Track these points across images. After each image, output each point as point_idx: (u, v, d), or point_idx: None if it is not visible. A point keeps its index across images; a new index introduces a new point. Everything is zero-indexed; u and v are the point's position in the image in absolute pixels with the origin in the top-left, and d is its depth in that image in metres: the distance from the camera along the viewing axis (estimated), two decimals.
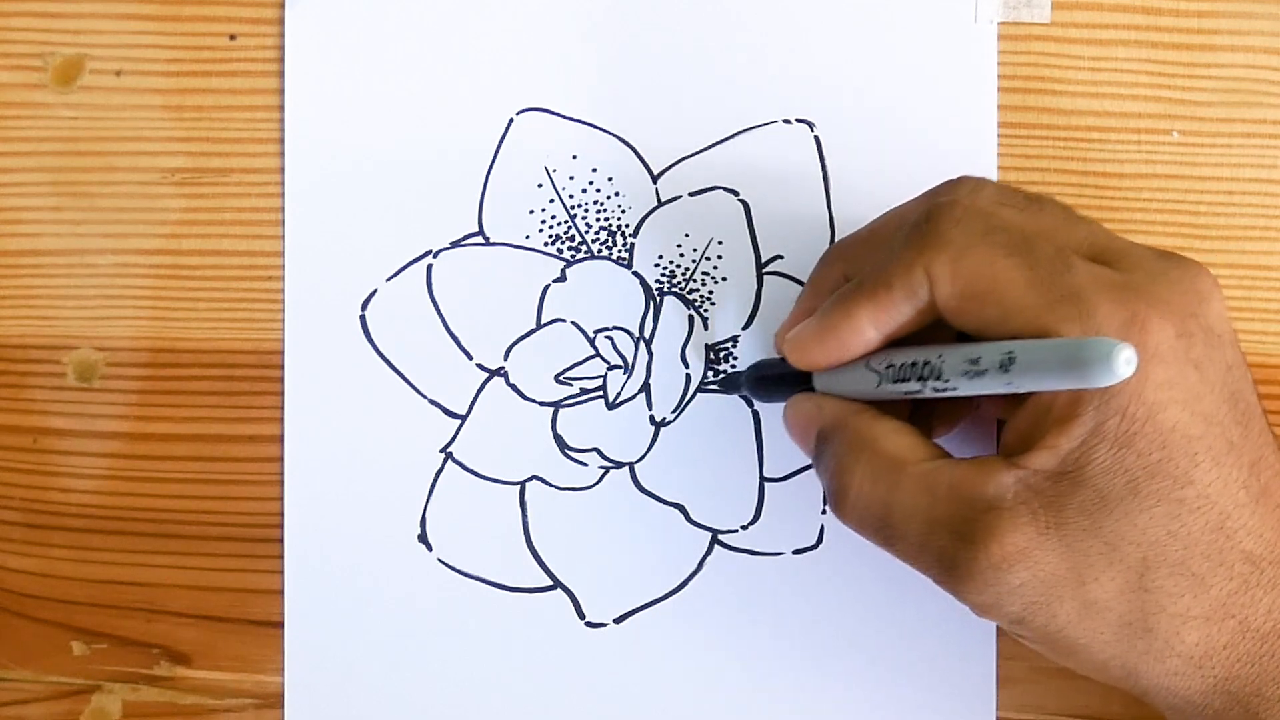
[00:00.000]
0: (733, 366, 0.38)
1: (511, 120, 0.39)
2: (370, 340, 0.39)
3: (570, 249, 0.39)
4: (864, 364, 0.32)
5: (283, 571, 0.39)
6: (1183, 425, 0.28)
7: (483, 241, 0.39)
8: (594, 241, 0.39)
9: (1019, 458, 0.29)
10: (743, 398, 0.38)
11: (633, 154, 0.39)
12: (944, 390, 0.30)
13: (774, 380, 0.36)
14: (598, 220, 0.39)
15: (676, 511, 0.38)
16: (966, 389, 0.29)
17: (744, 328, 0.39)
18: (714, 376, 0.39)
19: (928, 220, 0.31)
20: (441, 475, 0.38)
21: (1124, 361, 0.25)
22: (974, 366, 0.29)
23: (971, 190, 0.31)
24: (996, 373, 0.28)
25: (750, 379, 0.37)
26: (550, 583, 0.38)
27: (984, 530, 0.29)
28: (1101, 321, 0.28)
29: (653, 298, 0.39)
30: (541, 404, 0.39)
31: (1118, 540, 0.28)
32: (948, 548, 0.29)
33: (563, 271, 0.39)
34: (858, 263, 0.34)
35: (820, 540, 0.38)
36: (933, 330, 0.31)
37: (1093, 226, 0.31)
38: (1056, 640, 0.30)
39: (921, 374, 0.31)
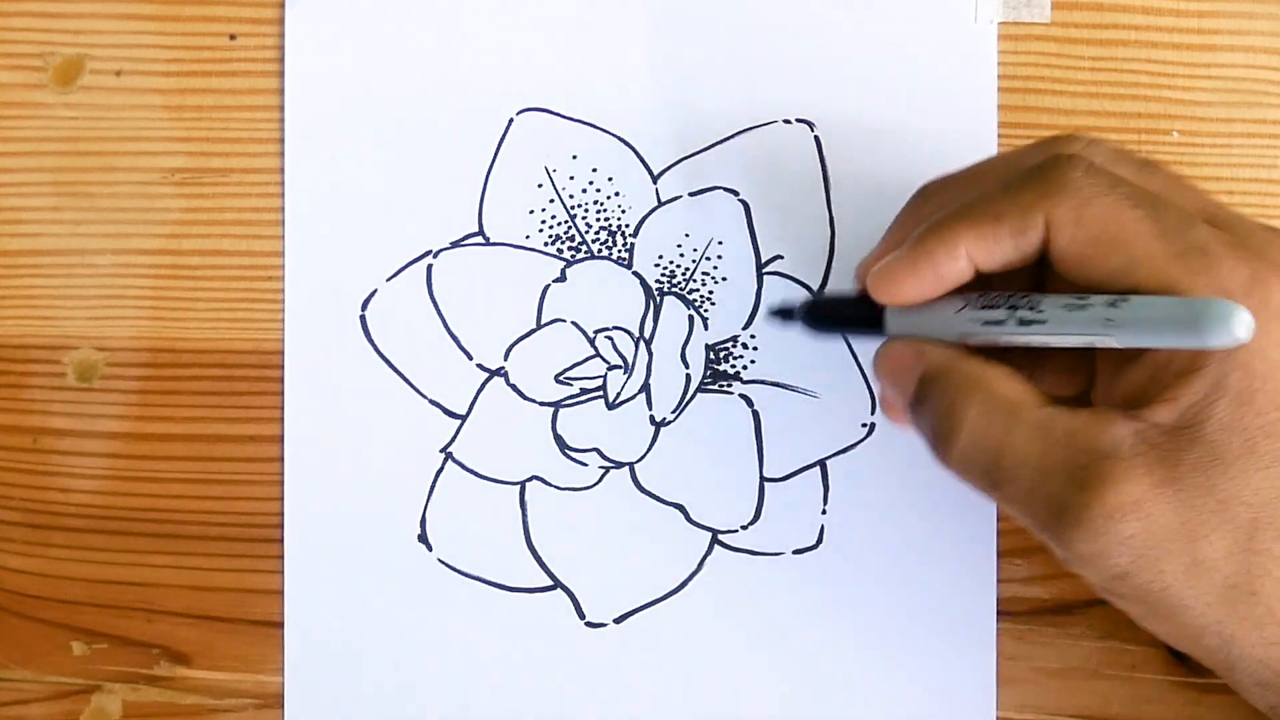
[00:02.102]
0: (732, 367, 0.38)
1: (511, 120, 0.39)
2: (370, 340, 0.39)
3: (570, 249, 0.39)
4: (953, 310, 0.32)
5: (283, 571, 0.39)
6: None
7: (483, 241, 0.39)
8: (594, 241, 0.39)
9: (1138, 410, 0.29)
10: (743, 397, 0.38)
11: (633, 154, 0.39)
12: (1031, 323, 0.30)
13: (835, 314, 0.35)
14: (598, 220, 0.39)
15: (676, 511, 0.38)
16: (1059, 324, 0.29)
17: (744, 327, 0.39)
18: (713, 376, 0.39)
19: (1052, 166, 0.31)
20: (441, 475, 0.38)
21: (1242, 325, 0.25)
22: (1077, 301, 0.29)
23: (1088, 145, 0.32)
24: (1101, 309, 0.28)
25: (807, 310, 0.35)
26: (550, 583, 0.38)
27: (1098, 478, 0.29)
28: (1226, 276, 0.28)
29: (653, 298, 0.39)
30: (541, 404, 0.39)
31: (1230, 499, 0.28)
32: (1060, 494, 0.29)
33: (563, 271, 0.39)
34: (955, 200, 0.33)
35: (820, 540, 0.38)
36: (1013, 281, 0.31)
37: (1202, 193, 0.32)
38: (1159, 600, 0.29)
39: (1013, 302, 0.30)
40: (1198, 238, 0.29)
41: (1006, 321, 0.30)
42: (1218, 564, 0.29)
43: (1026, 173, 0.31)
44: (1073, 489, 0.29)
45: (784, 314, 0.35)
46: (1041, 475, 0.30)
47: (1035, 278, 0.32)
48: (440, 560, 0.38)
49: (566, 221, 0.39)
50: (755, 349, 0.38)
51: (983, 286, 0.32)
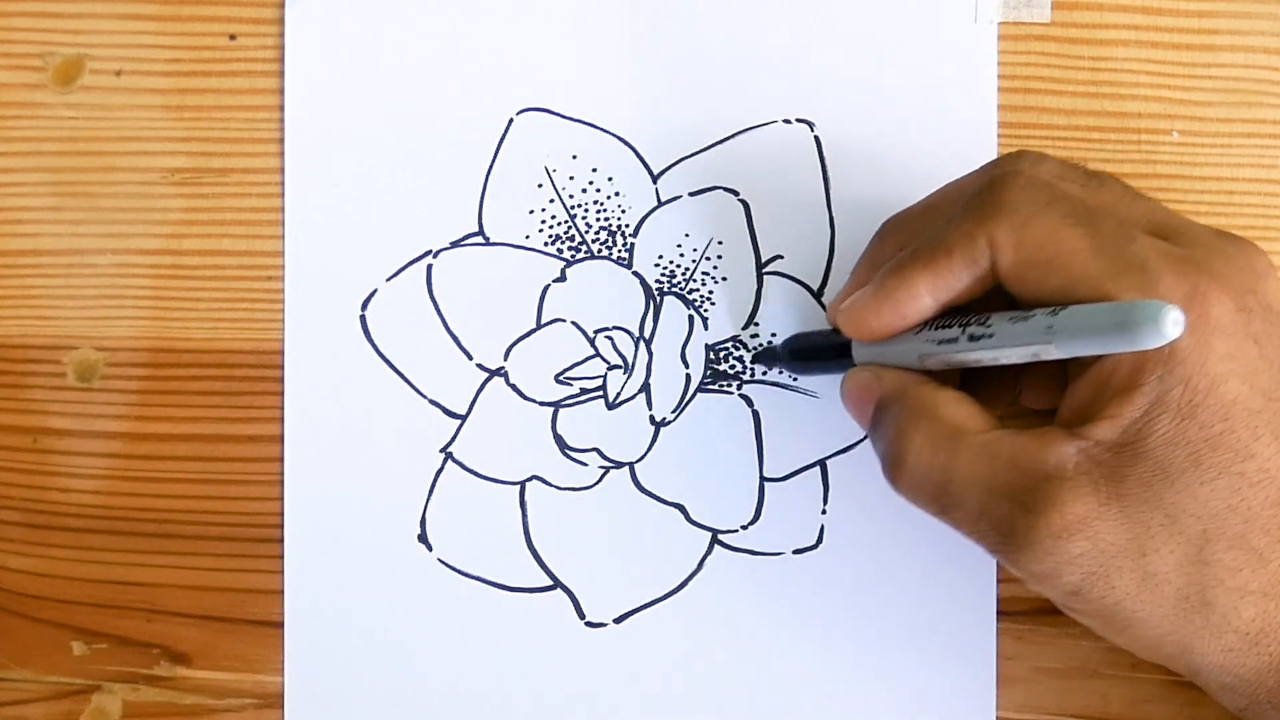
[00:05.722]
0: (731, 367, 0.39)
1: (511, 120, 0.39)
2: (370, 340, 0.39)
3: (570, 249, 0.39)
4: (911, 332, 0.32)
5: (283, 571, 0.39)
6: (1244, 398, 0.28)
7: (483, 241, 0.39)
8: (594, 241, 0.39)
9: (1081, 428, 0.29)
10: (743, 397, 0.38)
11: (633, 154, 0.39)
12: (981, 338, 0.30)
13: (812, 351, 0.36)
14: (598, 220, 0.39)
15: (676, 511, 0.38)
16: (1005, 336, 0.29)
17: (744, 328, 0.39)
18: (713, 376, 0.39)
19: (990, 188, 0.31)
20: (441, 475, 0.38)
21: (1171, 323, 0.25)
22: (1021, 314, 0.29)
23: (1033, 162, 0.32)
24: (1042, 319, 0.28)
25: (788, 350, 0.37)
26: (550, 583, 0.38)
27: (1045, 499, 0.29)
28: (1164, 292, 0.28)
29: (653, 298, 0.39)
30: (541, 404, 0.39)
31: (1178, 512, 0.29)
32: (1007, 516, 0.29)
33: (563, 271, 0.39)
34: (913, 236, 0.33)
35: (820, 540, 0.38)
36: (984, 305, 0.32)
37: (1151, 203, 0.32)
38: (1113, 613, 0.30)
39: (964, 321, 0.31)
40: (1137, 254, 0.29)
41: (959, 339, 0.31)
42: (1169, 576, 0.29)
43: (970, 198, 0.31)
44: (1019, 511, 0.29)
45: (768, 356, 0.38)
46: (988, 498, 0.30)
47: (1012, 305, 0.32)
48: (440, 560, 0.38)
49: (566, 221, 0.39)
50: (755, 349, 0.38)
51: (960, 314, 0.32)
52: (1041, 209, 0.30)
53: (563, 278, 0.39)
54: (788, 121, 0.39)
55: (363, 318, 0.39)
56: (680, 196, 0.39)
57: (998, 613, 0.38)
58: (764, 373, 0.38)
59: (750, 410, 0.38)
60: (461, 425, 0.39)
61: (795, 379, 0.38)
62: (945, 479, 0.31)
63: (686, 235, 0.39)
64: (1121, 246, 0.29)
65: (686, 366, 0.39)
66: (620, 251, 0.39)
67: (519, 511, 0.39)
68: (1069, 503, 0.29)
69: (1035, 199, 0.30)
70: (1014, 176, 0.31)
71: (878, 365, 0.34)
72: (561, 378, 0.39)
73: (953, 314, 0.32)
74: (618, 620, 0.38)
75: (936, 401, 0.32)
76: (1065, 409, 0.31)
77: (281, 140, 0.39)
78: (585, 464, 0.39)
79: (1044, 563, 0.29)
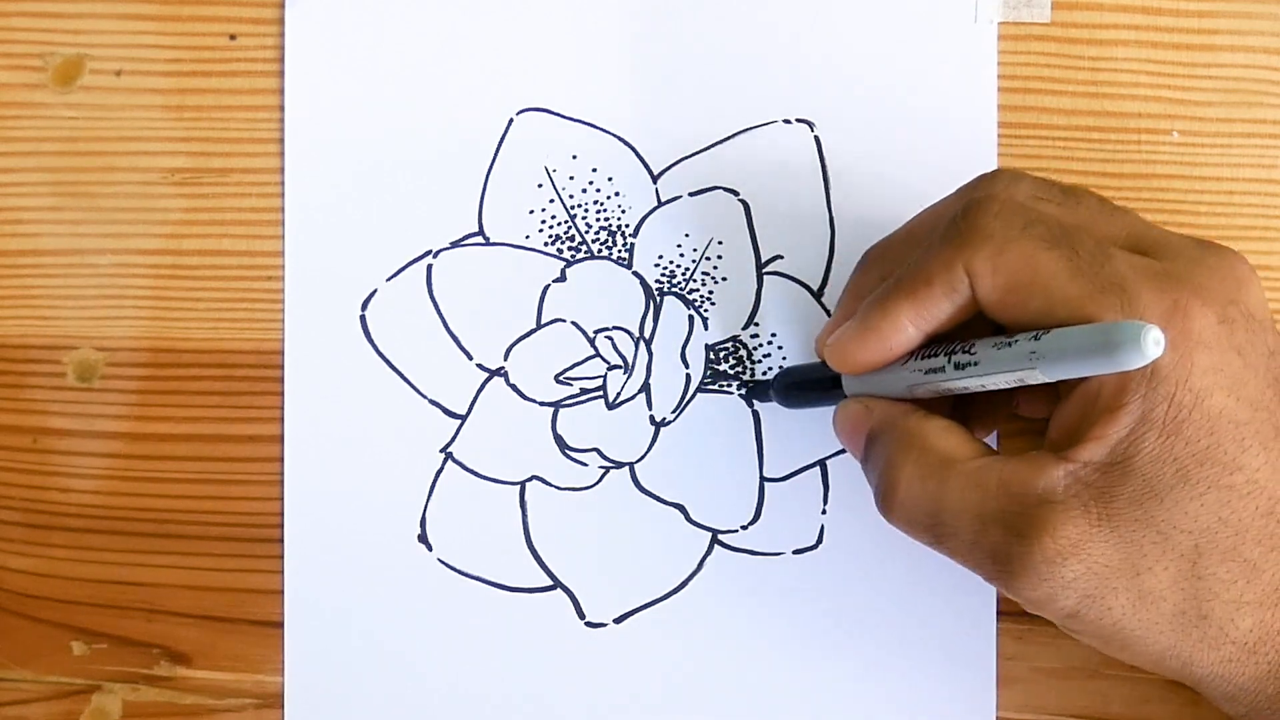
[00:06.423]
0: (732, 367, 0.39)
1: (511, 120, 0.39)
2: (370, 340, 0.39)
3: (570, 249, 0.39)
4: (899, 363, 0.32)
5: (283, 571, 0.39)
6: (1229, 411, 0.28)
7: (483, 241, 0.39)
8: (594, 241, 0.39)
9: (1068, 451, 0.29)
10: (742, 398, 0.38)
11: (633, 154, 0.39)
12: (967, 366, 0.30)
13: (802, 385, 0.36)
14: (598, 220, 0.39)
15: (676, 511, 0.38)
16: (991, 363, 0.30)
17: (744, 328, 0.39)
18: (713, 376, 0.39)
19: (965, 215, 0.31)
20: (441, 475, 0.38)
21: (1152, 342, 0.26)
22: (1005, 340, 0.29)
23: (1008, 184, 0.31)
24: (1025, 344, 0.29)
25: (780, 385, 0.37)
26: (550, 583, 0.38)
27: (1037, 525, 0.29)
28: (1145, 310, 0.28)
29: (653, 298, 0.39)
30: (541, 404, 0.39)
31: (1169, 529, 0.29)
32: (1000, 544, 0.29)
33: (563, 271, 0.39)
34: (895, 265, 0.33)
35: (820, 540, 0.38)
36: (970, 329, 0.32)
37: (1129, 216, 0.32)
38: (1112, 633, 0.30)
39: (949, 350, 0.31)
40: (1115, 272, 0.29)
41: (945, 368, 0.31)
42: (1164, 594, 0.29)
43: (946, 226, 0.31)
44: (1012, 537, 0.29)
45: (760, 391, 0.38)
46: (981, 526, 0.30)
47: (998, 330, 0.32)
48: (440, 560, 0.38)
49: (566, 221, 0.39)
50: (755, 349, 0.38)
51: (946, 342, 0.32)
52: (1017, 233, 0.30)
53: (563, 278, 0.39)
54: (788, 121, 0.39)
55: (363, 318, 0.39)
56: (680, 196, 0.39)
57: (998, 613, 0.38)
58: (764, 373, 0.38)
59: (750, 410, 0.38)
60: (461, 425, 0.39)
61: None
62: (937, 508, 0.31)
63: (686, 235, 0.39)
64: (1099, 266, 0.29)
65: (686, 366, 0.39)
66: (620, 251, 0.39)
67: (519, 511, 0.39)
68: (1061, 526, 0.29)
69: (1010, 223, 0.30)
70: (988, 202, 0.31)
71: (868, 396, 0.34)
72: (561, 378, 0.39)
73: (939, 342, 0.32)
74: (618, 620, 0.38)
75: (925, 431, 0.32)
76: (1053, 431, 0.31)
77: (281, 140, 0.39)
78: (585, 464, 0.39)
79: (1039, 588, 0.29)
